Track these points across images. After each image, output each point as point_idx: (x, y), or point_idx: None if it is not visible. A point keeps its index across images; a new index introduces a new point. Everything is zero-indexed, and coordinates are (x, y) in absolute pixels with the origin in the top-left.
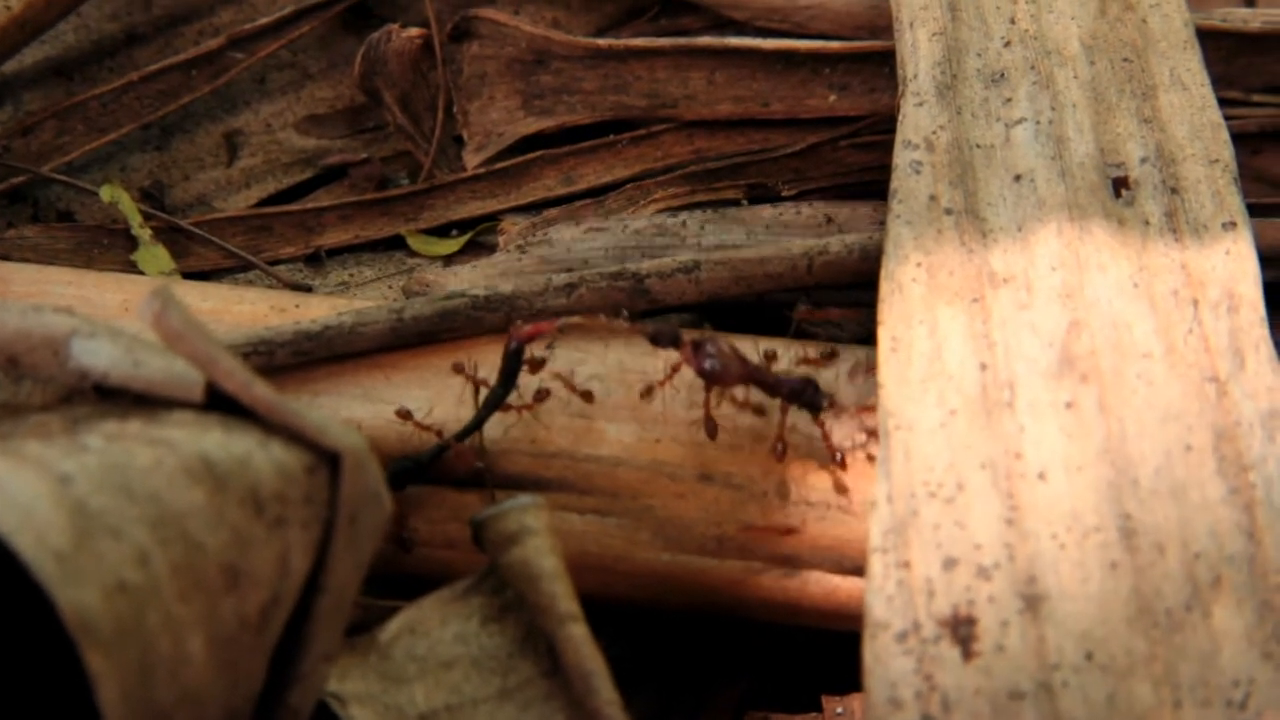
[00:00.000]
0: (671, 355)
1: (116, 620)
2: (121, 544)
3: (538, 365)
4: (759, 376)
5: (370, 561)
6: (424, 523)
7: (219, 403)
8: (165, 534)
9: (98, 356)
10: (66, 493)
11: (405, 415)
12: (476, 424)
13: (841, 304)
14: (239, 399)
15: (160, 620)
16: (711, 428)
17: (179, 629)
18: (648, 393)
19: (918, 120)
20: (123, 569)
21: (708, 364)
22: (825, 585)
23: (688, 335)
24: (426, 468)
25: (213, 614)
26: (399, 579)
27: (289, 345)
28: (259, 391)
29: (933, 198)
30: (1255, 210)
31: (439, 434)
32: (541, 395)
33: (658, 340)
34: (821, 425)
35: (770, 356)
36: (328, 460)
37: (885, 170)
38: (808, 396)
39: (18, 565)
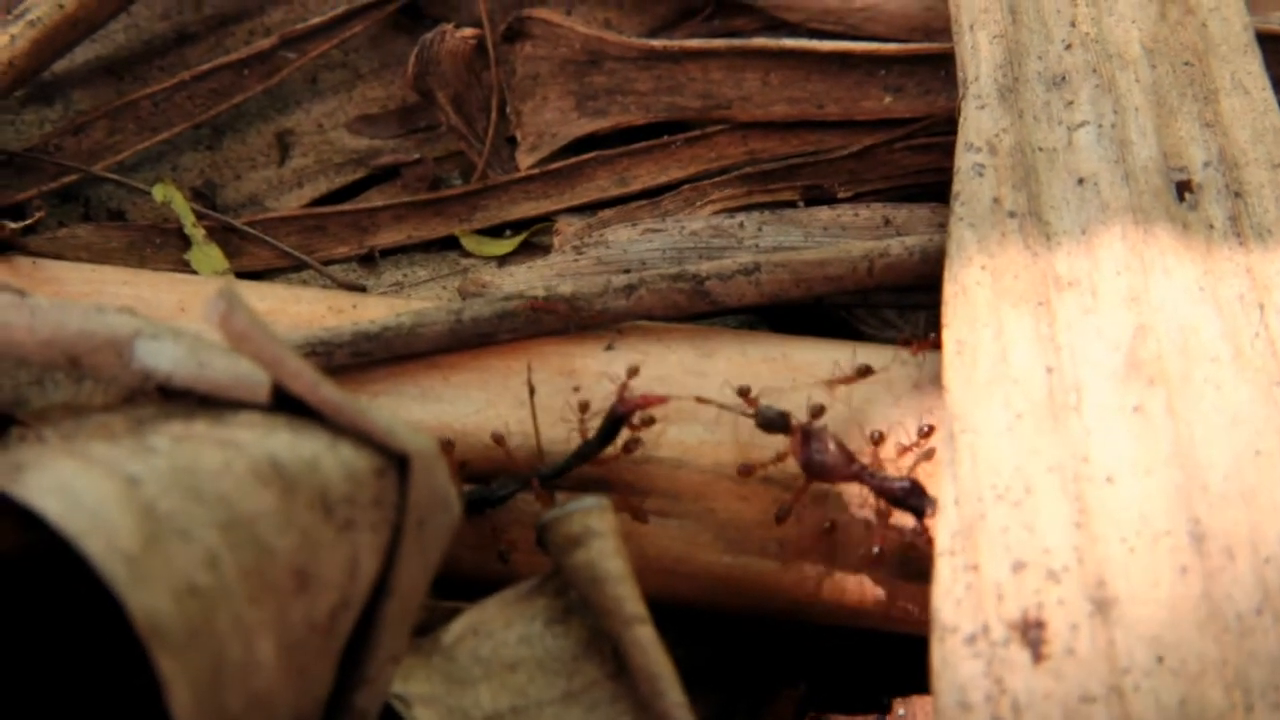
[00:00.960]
0: (779, 440)
1: (187, 623)
2: (191, 546)
3: (647, 423)
4: (865, 476)
5: (438, 565)
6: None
7: (284, 404)
8: (235, 537)
9: (162, 357)
10: (135, 495)
11: (500, 441)
12: (563, 469)
13: (900, 306)
14: (306, 400)
15: (231, 623)
16: (784, 514)
17: (249, 632)
18: (747, 473)
19: (979, 123)
20: (193, 572)
21: (815, 457)
22: (888, 588)
23: (797, 423)
24: (503, 501)
25: (282, 617)
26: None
27: (348, 346)
28: (326, 393)
29: (996, 200)
30: None
31: (506, 449)
32: (631, 446)
33: (767, 426)
34: (926, 531)
35: (877, 440)
36: (396, 463)
37: (942, 172)
38: (913, 502)
39: (87, 568)
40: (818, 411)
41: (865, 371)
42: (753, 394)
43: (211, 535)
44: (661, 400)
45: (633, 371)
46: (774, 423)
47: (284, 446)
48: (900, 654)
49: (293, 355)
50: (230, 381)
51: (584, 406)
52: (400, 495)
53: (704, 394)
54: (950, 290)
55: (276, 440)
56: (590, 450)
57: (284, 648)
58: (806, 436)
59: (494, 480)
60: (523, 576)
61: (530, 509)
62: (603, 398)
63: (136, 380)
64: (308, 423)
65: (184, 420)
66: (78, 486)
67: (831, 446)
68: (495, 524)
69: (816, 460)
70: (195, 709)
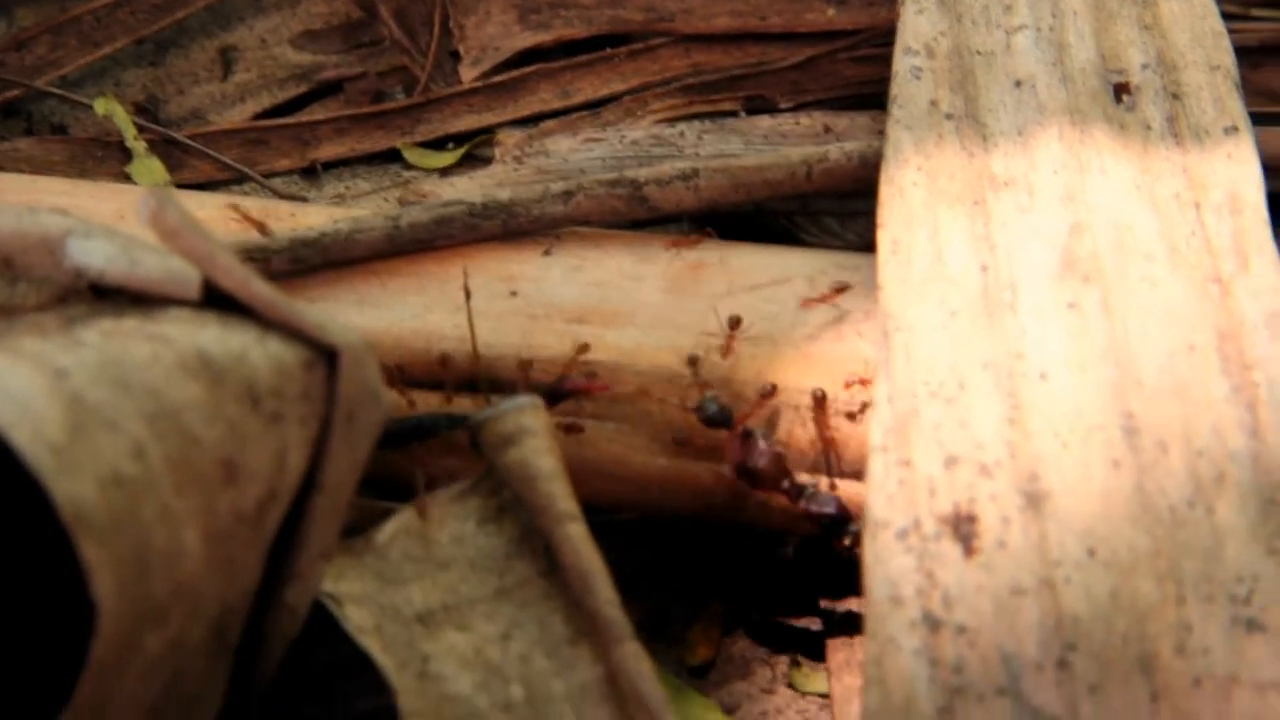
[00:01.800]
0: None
1: (112, 512)
2: (118, 437)
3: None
4: (793, 494)
5: (367, 460)
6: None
7: (216, 301)
8: (162, 427)
9: (94, 255)
10: (62, 386)
11: (445, 361)
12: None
13: (841, 213)
14: (236, 296)
15: (156, 512)
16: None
17: (175, 522)
18: (682, 443)
19: (918, 27)
20: (119, 461)
21: (749, 464)
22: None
23: (740, 422)
24: (430, 436)
25: (209, 508)
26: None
27: (286, 252)
28: (256, 288)
29: (933, 103)
30: (1258, 120)
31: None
32: (574, 429)
33: (709, 422)
34: (845, 551)
35: (820, 399)
36: (325, 357)
37: (883, 83)
38: (835, 531)
39: (14, 459)
40: (769, 392)
41: (842, 288)
42: (699, 370)
43: (138, 426)
44: (603, 388)
45: (582, 349)
46: (715, 419)
47: (212, 340)
48: (835, 556)
49: (223, 251)
50: (161, 278)
51: (525, 365)
52: (329, 389)
53: (639, 296)
54: (886, 191)
55: (205, 334)
56: None
57: (210, 538)
58: (745, 440)
59: (425, 415)
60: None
61: (423, 403)
62: (545, 310)
63: (69, 279)
64: (237, 318)
65: (114, 317)
66: (6, 379)
67: (767, 457)
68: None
69: (749, 467)
70: (119, 596)
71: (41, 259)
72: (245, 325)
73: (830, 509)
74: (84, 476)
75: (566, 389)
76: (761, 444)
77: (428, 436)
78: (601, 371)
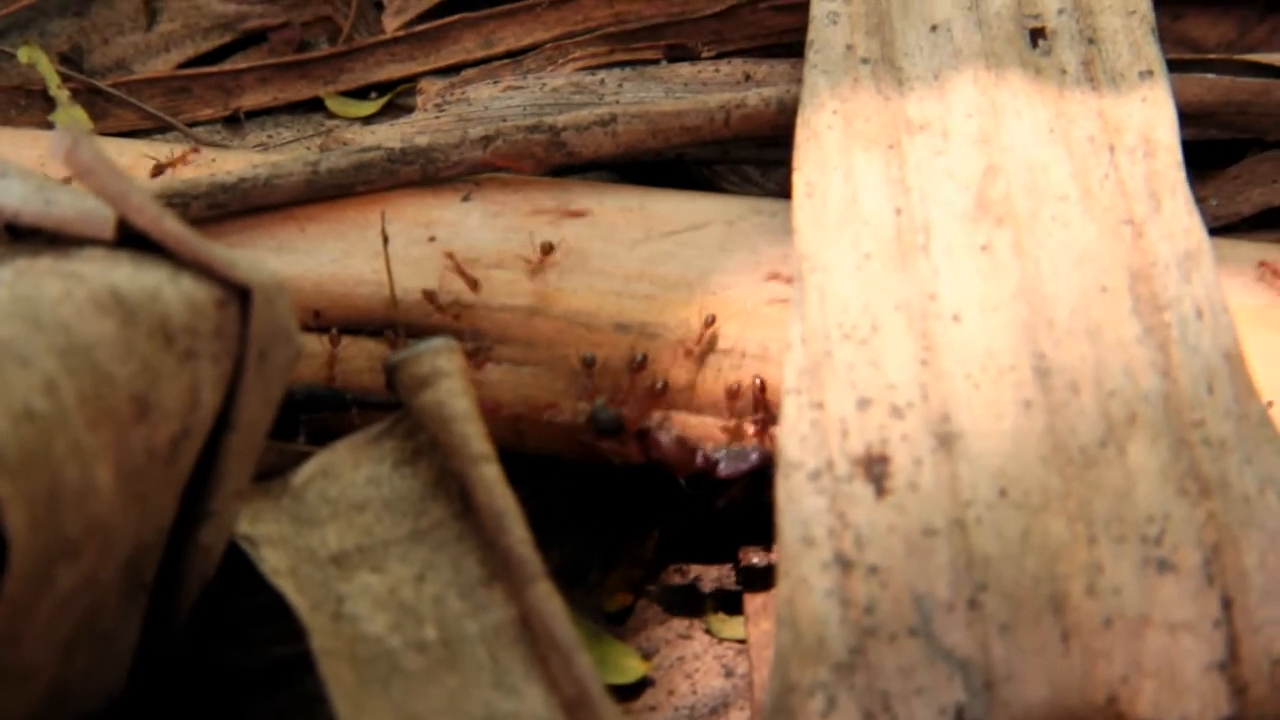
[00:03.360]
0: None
1: (23, 447)
2: (29, 372)
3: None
4: (710, 466)
5: (280, 399)
6: (341, 373)
7: (130, 241)
8: (74, 363)
9: (9, 195)
10: None
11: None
12: (388, 405)
13: (761, 162)
14: (149, 234)
15: (68, 448)
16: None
17: (87, 457)
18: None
19: None
20: (30, 397)
21: (655, 456)
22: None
23: (631, 423)
24: (321, 407)
25: (121, 444)
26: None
27: (204, 198)
28: (169, 226)
29: (849, 47)
30: (1178, 68)
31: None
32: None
33: (603, 431)
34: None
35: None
36: (238, 295)
37: (804, 32)
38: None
39: None
40: (639, 365)
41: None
42: (594, 373)
43: (50, 362)
44: (494, 408)
45: (483, 360)
46: (608, 428)
47: (125, 278)
48: (756, 503)
49: (137, 190)
50: (76, 217)
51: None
52: (242, 328)
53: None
54: (802, 135)
55: (119, 272)
56: None
57: (123, 474)
58: (643, 434)
59: (319, 387)
60: None
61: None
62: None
63: None
64: (151, 257)
65: (30, 257)
66: None
67: (670, 446)
68: None
69: (656, 459)
70: (31, 532)
71: None
72: (158, 263)
73: (749, 463)
74: None
75: None
76: (661, 437)
77: (318, 410)
78: (518, 316)
